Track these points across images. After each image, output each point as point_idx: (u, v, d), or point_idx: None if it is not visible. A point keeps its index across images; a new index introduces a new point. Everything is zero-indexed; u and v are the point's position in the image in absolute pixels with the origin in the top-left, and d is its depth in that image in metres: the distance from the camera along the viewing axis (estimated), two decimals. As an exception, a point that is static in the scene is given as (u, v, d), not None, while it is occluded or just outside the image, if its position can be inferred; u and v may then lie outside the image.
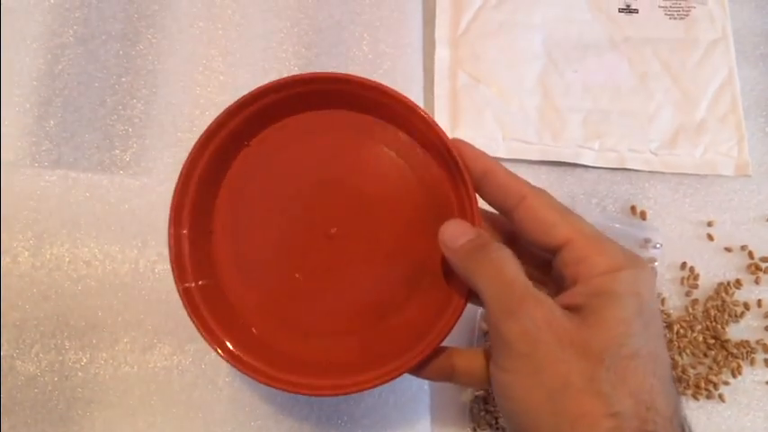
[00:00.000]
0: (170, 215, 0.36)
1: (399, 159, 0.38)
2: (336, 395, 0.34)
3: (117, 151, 0.52)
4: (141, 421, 0.44)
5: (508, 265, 0.29)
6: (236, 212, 0.38)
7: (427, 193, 0.37)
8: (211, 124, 0.37)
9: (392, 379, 0.33)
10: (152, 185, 0.50)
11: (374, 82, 0.36)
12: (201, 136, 0.37)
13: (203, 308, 0.36)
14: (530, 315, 0.28)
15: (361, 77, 0.37)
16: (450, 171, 0.36)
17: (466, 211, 0.35)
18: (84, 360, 0.45)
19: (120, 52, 0.55)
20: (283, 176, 0.38)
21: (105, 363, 0.45)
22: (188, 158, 0.37)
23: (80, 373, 0.45)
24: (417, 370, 0.33)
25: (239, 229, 0.38)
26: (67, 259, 0.48)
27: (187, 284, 0.36)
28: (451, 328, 0.33)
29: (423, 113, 0.36)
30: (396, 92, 0.36)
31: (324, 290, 0.37)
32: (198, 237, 0.37)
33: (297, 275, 0.37)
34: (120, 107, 0.53)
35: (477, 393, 0.46)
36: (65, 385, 0.45)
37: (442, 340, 0.33)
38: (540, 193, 0.32)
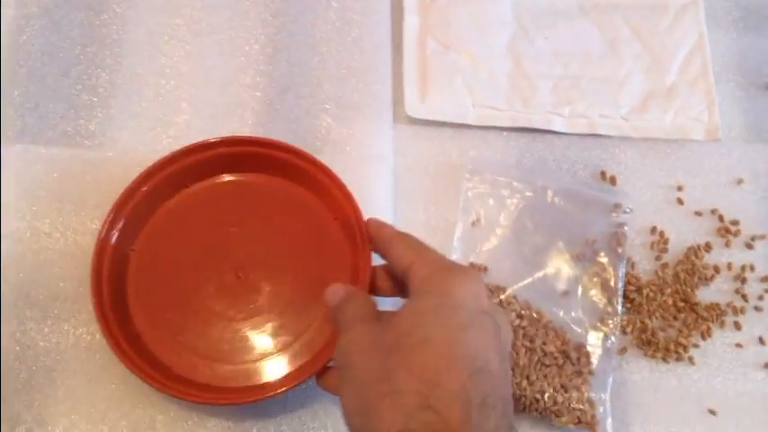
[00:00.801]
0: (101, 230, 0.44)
1: (309, 222, 0.47)
2: (238, 404, 0.43)
3: (82, 121, 0.51)
4: (104, 388, 0.44)
5: (348, 312, 0.37)
6: (159, 241, 0.46)
7: (326, 251, 0.46)
8: (163, 160, 0.46)
9: (285, 392, 0.41)
10: (112, 157, 0.50)
11: (310, 156, 0.47)
12: (149, 167, 0.46)
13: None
14: (344, 338, 0.36)
15: (300, 150, 0.47)
16: (353, 235, 0.44)
17: (359, 269, 0.43)
18: (46, 329, 0.45)
19: (85, 22, 0.54)
20: (207, 223, 0.47)
21: (67, 332, 0.45)
22: (127, 188, 0.45)
23: (41, 343, 0.44)
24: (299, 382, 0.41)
25: (158, 256, 0.46)
26: (28, 232, 0.47)
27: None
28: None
29: (345, 190, 0.45)
30: (326, 167, 0.46)
31: (231, 323, 0.44)
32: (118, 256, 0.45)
33: (207, 309, 0.45)
34: (85, 77, 0.52)
35: None
36: (26, 354, 0.44)
37: (324, 365, 0.41)
38: (402, 236, 0.40)
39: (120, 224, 0.45)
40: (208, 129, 0.51)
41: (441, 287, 0.34)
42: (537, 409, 0.44)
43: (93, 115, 0.51)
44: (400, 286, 0.41)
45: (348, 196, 0.46)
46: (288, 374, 0.43)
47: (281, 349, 0.44)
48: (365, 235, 0.44)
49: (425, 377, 0.31)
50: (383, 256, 0.41)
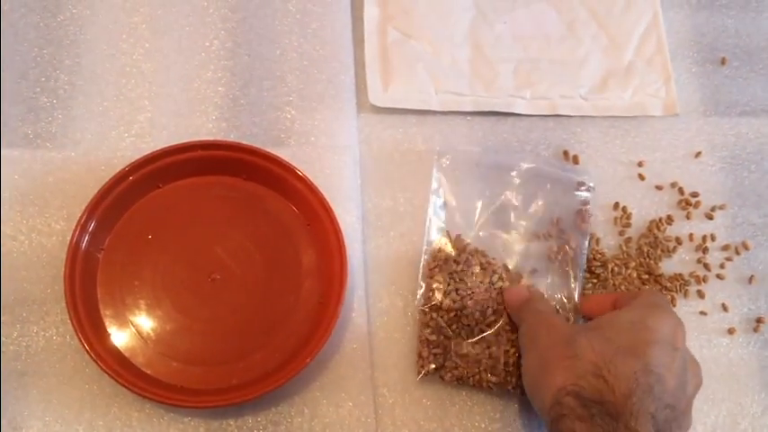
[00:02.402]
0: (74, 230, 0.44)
1: (282, 226, 0.48)
2: (212, 407, 0.43)
3: (42, 123, 0.51)
4: (77, 389, 0.43)
5: (539, 303, 0.45)
6: (129, 242, 0.46)
7: (298, 256, 0.47)
8: (138, 161, 0.46)
9: (256, 396, 0.42)
10: (75, 157, 0.49)
11: (285, 162, 0.47)
12: (123, 169, 0.46)
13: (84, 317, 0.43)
14: (532, 318, 0.44)
15: (278, 157, 0.47)
16: (326, 241, 0.46)
17: (334, 275, 0.45)
18: (15, 333, 0.44)
19: (41, 24, 0.53)
20: (178, 225, 0.47)
21: (36, 335, 0.45)
22: (104, 186, 0.45)
23: (11, 347, 0.44)
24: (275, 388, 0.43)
25: (128, 257, 0.46)
26: (-8, 235, 0.47)
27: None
28: (306, 365, 0.42)
29: (320, 196, 0.46)
30: (302, 174, 0.47)
31: (203, 324, 0.45)
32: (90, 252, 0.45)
33: (178, 310, 0.45)
34: (44, 79, 0.52)
35: (426, 337, 0.46)
36: (-4, 360, 0.44)
37: (301, 368, 0.42)
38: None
39: (92, 226, 0.45)
40: (171, 126, 0.51)
41: (642, 311, 0.40)
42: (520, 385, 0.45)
43: (53, 117, 0.51)
44: None
45: (323, 202, 0.46)
46: (261, 377, 0.43)
47: (255, 351, 0.44)
48: (342, 242, 0.45)
49: (605, 357, 0.37)
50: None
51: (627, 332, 0.39)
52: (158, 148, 0.47)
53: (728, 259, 0.51)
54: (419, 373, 0.45)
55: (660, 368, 0.37)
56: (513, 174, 0.51)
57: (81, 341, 0.42)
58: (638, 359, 0.37)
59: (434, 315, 0.46)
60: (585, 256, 0.49)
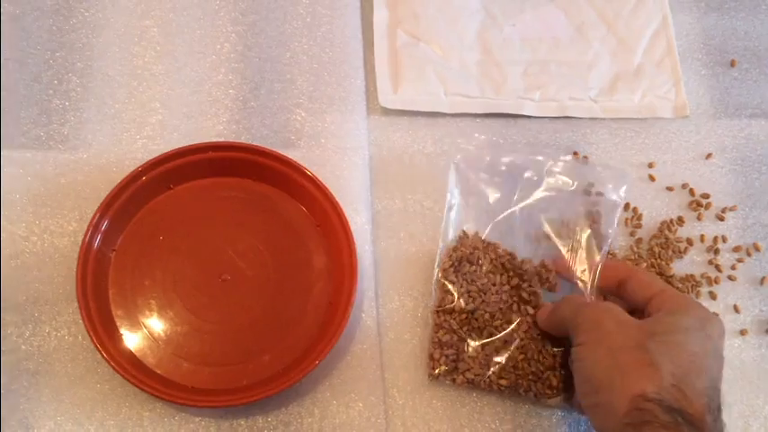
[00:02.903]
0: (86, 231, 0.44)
1: (292, 227, 0.48)
2: (221, 407, 0.43)
3: (55, 125, 0.51)
4: (89, 389, 0.43)
5: (575, 298, 0.44)
6: (140, 242, 0.47)
7: (307, 257, 0.47)
8: (150, 161, 0.46)
9: (266, 396, 0.42)
10: (87, 159, 0.50)
11: (296, 164, 0.47)
12: (134, 170, 0.46)
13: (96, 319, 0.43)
14: (594, 307, 0.42)
15: (290, 159, 0.47)
16: (337, 243, 0.46)
17: (344, 279, 0.45)
18: (27, 333, 0.45)
19: (54, 27, 0.54)
20: (189, 226, 0.47)
21: (48, 335, 0.45)
22: (116, 187, 0.45)
23: (23, 347, 0.44)
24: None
25: (140, 257, 0.46)
26: (4, 236, 0.47)
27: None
28: (316, 366, 0.42)
29: (332, 199, 0.47)
30: (314, 176, 0.47)
31: (213, 325, 0.45)
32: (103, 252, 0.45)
33: (189, 311, 0.45)
34: (56, 82, 0.52)
35: (439, 338, 0.46)
36: (8, 359, 0.44)
37: (309, 369, 0.42)
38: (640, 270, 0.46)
39: (104, 227, 0.45)
40: (182, 128, 0.52)
41: (699, 318, 0.40)
42: (532, 389, 0.45)
43: (65, 119, 0.51)
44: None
45: (333, 204, 0.46)
46: (271, 377, 0.43)
47: (265, 351, 0.45)
48: (352, 243, 0.45)
49: (681, 369, 0.37)
50: (621, 282, 0.44)
51: (693, 340, 0.39)
52: (169, 149, 0.47)
53: (740, 260, 0.51)
54: (430, 374, 0.45)
55: (719, 383, 0.39)
56: (526, 175, 0.51)
57: (93, 341, 0.42)
58: (706, 374, 0.38)
59: (448, 317, 0.46)
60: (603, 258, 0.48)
